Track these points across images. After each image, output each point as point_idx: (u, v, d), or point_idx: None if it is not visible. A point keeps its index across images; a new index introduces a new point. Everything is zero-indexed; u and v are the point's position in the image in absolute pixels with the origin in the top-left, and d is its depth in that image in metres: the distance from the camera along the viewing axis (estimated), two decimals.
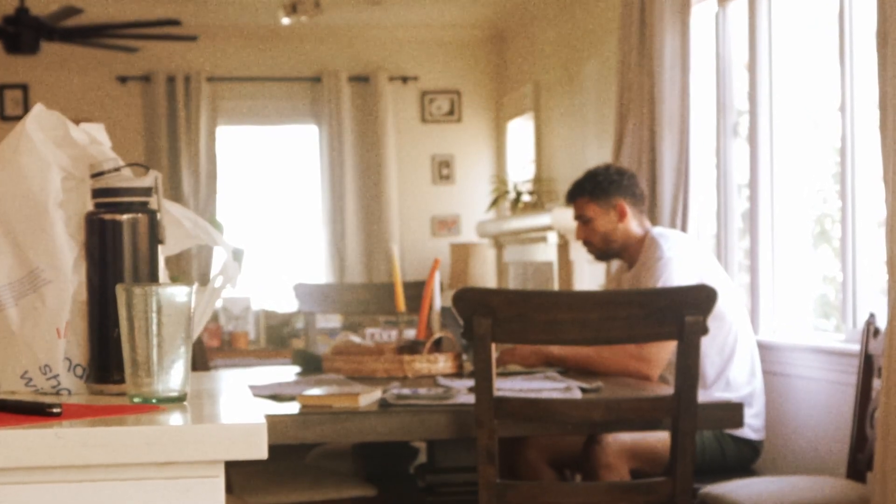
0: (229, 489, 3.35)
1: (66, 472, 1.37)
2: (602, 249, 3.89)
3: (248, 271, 7.74)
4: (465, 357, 3.72)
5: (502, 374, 3.43)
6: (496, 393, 2.84)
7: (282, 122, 8.46)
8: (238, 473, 3.60)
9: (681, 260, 3.69)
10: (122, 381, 1.67)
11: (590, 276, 6.09)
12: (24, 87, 8.03)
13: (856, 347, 3.65)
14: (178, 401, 1.58)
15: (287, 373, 3.70)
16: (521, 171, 8.02)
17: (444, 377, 3.45)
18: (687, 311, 2.82)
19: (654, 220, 4.80)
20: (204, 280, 7.52)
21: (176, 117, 8.13)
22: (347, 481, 3.59)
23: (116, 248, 1.72)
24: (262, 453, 1.39)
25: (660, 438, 3.42)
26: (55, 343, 1.72)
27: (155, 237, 1.75)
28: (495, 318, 2.81)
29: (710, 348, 3.69)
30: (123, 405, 1.57)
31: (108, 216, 1.73)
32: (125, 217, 1.73)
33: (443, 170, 8.55)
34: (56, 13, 6.52)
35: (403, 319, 3.94)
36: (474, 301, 2.83)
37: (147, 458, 1.37)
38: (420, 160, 8.53)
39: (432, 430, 2.87)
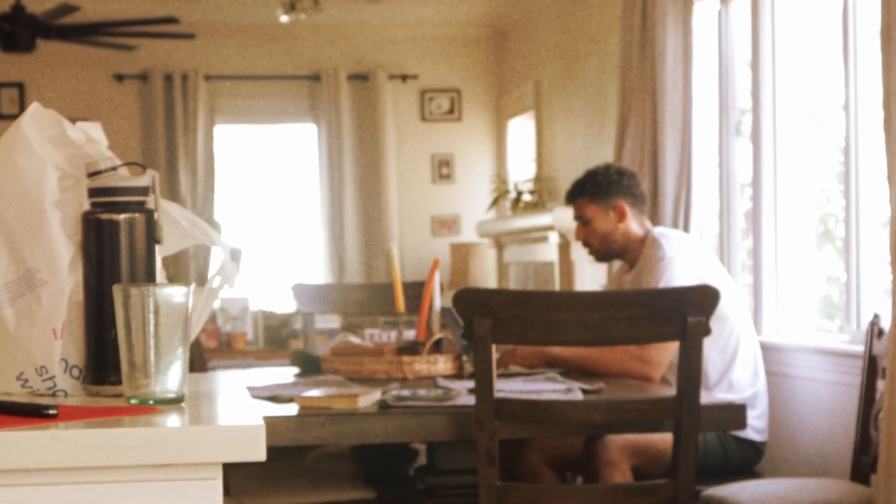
0: (227, 491, 3.35)
1: (62, 475, 1.36)
2: (602, 251, 3.89)
3: (246, 271, 7.75)
4: (465, 358, 3.72)
5: (503, 376, 3.42)
6: (497, 394, 2.84)
7: (280, 120, 8.46)
8: (236, 475, 3.59)
9: (683, 260, 3.68)
10: (118, 382, 1.66)
11: (591, 276, 6.09)
12: (20, 86, 8.02)
13: (860, 348, 3.65)
14: (175, 402, 1.57)
15: (285, 374, 3.70)
16: (521, 170, 8.02)
17: (444, 378, 3.44)
18: (689, 312, 2.82)
19: (657, 220, 4.81)
20: (202, 280, 7.52)
21: (173, 116, 8.12)
22: (346, 483, 3.58)
23: (113, 248, 1.72)
24: (260, 455, 1.39)
25: (662, 437, 3.41)
26: (51, 344, 1.72)
27: (152, 237, 1.75)
28: (496, 319, 2.81)
29: (712, 349, 3.69)
30: (120, 407, 1.57)
31: (104, 216, 1.73)
32: (122, 217, 1.72)
33: (443, 169, 8.54)
34: (52, 11, 6.51)
35: (403, 320, 3.94)
36: (474, 301, 2.83)
37: (144, 460, 1.36)
38: (420, 159, 8.53)
39: (432, 432, 2.86)
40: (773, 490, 3.24)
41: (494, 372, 2.82)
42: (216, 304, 6.47)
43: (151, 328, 1.54)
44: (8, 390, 1.75)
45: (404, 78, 8.46)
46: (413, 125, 8.52)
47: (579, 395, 3.03)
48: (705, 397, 3.06)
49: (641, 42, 4.99)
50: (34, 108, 1.78)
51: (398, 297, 3.89)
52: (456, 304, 2.83)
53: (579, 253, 6.08)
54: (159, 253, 1.79)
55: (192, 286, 1.61)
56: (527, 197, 7.52)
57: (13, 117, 7.53)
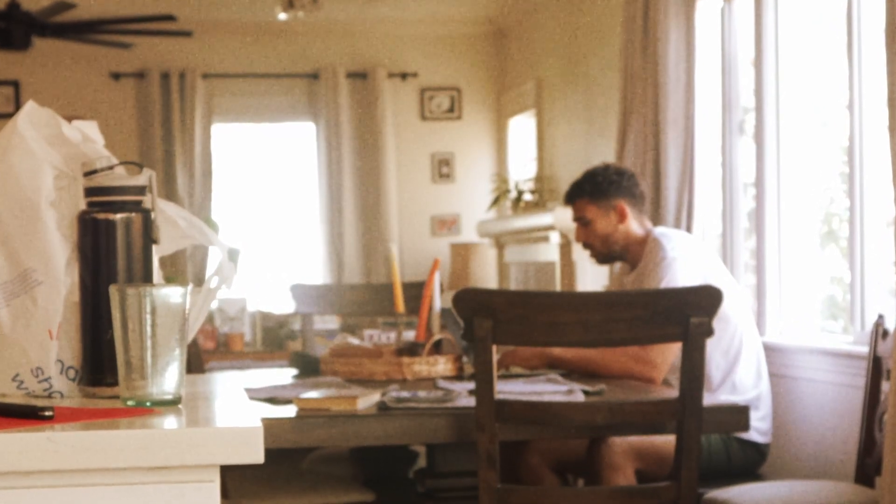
0: (225, 494, 3.34)
1: (58, 477, 1.36)
2: (603, 252, 3.88)
3: (243, 272, 7.77)
4: (465, 359, 3.71)
5: (503, 377, 3.42)
6: (497, 396, 2.83)
7: (278, 119, 8.45)
8: (234, 478, 3.58)
9: (685, 260, 3.68)
10: (115, 383, 1.66)
11: (592, 276, 6.09)
12: (15, 84, 8.01)
13: (864, 349, 3.66)
14: (172, 404, 1.57)
15: (284, 375, 3.70)
16: (522, 169, 8.02)
17: (444, 379, 3.44)
18: (691, 313, 2.81)
19: (659, 220, 4.81)
20: (199, 281, 7.53)
21: (170, 114, 8.11)
22: (345, 486, 3.57)
23: (110, 248, 1.72)
24: (258, 457, 1.39)
25: (665, 439, 3.41)
26: (47, 345, 1.72)
27: (149, 237, 1.75)
28: (496, 320, 2.80)
29: (715, 350, 3.69)
30: (117, 408, 1.57)
31: (101, 215, 1.72)
32: (119, 216, 1.73)
33: (443, 168, 8.53)
34: (48, 8, 6.50)
35: (402, 321, 3.95)
36: (475, 302, 2.82)
37: (141, 462, 1.36)
38: (419, 158, 8.52)
39: (432, 434, 2.85)
40: (776, 492, 3.23)
41: (495, 373, 2.81)
42: (214, 305, 6.46)
43: (148, 329, 1.54)
44: (3, 391, 1.75)
45: (404, 76, 8.45)
46: (413, 124, 8.50)
47: (581, 397, 3.02)
48: (708, 399, 3.05)
49: (643, 40, 5.00)
50: (30, 106, 1.78)
51: (398, 297, 3.89)
52: (456, 304, 2.82)
53: (580, 253, 6.08)
54: (156, 253, 1.79)
55: (190, 287, 1.61)
56: (528, 196, 7.52)
57: (8, 116, 7.52)
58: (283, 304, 7.38)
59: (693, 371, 2.80)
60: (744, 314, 3.77)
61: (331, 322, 6.24)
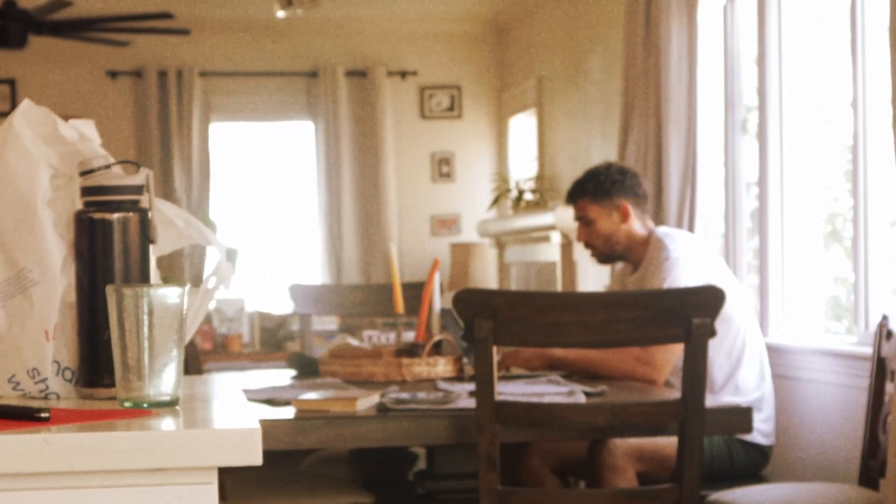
0: (223, 496, 3.36)
1: (54, 479, 1.36)
2: (605, 252, 3.88)
3: (242, 272, 7.79)
4: (465, 360, 3.70)
5: (504, 378, 3.41)
6: (498, 397, 2.82)
7: (277, 118, 8.44)
8: (232, 480, 3.57)
9: (688, 261, 3.67)
10: (112, 384, 1.67)
11: (594, 277, 6.10)
12: (11, 83, 8.01)
13: (868, 350, 3.64)
14: (169, 405, 1.57)
15: (282, 376, 3.69)
16: (523, 168, 8.01)
17: (443, 381, 3.43)
18: (694, 313, 2.80)
19: (661, 220, 4.82)
20: (197, 281, 7.52)
21: (168, 113, 8.10)
22: (344, 488, 3.56)
23: (106, 247, 1.72)
24: (256, 459, 1.38)
25: (667, 441, 3.40)
26: (43, 346, 1.72)
27: (146, 237, 1.75)
28: (497, 320, 2.79)
29: (718, 352, 3.68)
30: (113, 410, 1.57)
31: (97, 215, 1.73)
32: (115, 216, 1.73)
33: (443, 167, 8.52)
34: (44, 6, 6.50)
35: (402, 321, 3.96)
36: (475, 302, 2.81)
37: (138, 464, 1.36)
38: (419, 157, 8.51)
39: (432, 436, 2.85)
40: (779, 495, 3.22)
41: (495, 374, 2.80)
42: (211, 306, 6.44)
43: (145, 330, 1.54)
44: None
45: (403, 74, 8.43)
46: (412, 122, 8.49)
47: (582, 398, 3.02)
48: (710, 400, 3.05)
49: (645, 38, 5.00)
50: (26, 105, 1.78)
51: (397, 297, 3.88)
52: (456, 305, 2.81)
53: (582, 253, 6.08)
54: (153, 253, 1.79)
55: (187, 287, 1.61)
56: (528, 196, 7.52)
57: (4, 115, 7.53)
58: (281, 305, 7.37)
59: (695, 372, 2.80)
60: (747, 315, 3.76)
61: (330, 323, 6.24)
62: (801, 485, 3.39)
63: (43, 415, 1.44)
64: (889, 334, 3.30)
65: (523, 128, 8.02)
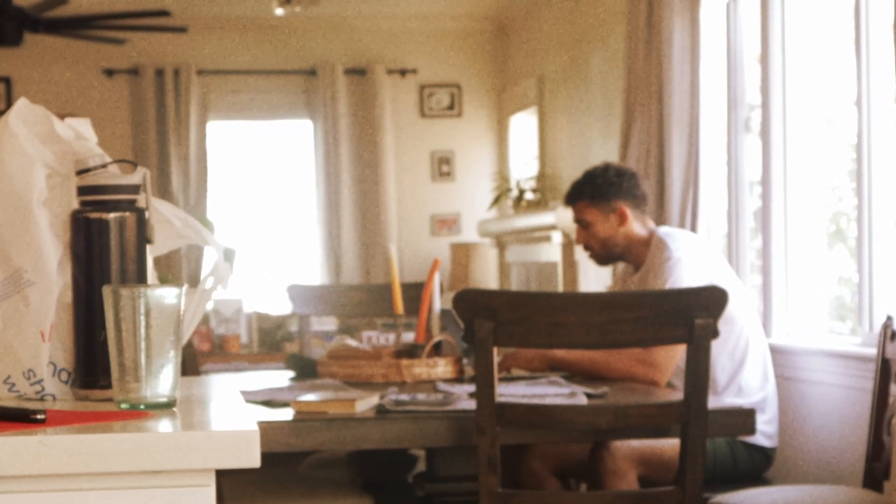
0: (220, 499, 3.34)
1: (50, 481, 1.36)
2: (603, 254, 3.89)
3: (239, 272, 7.80)
4: (465, 361, 3.70)
5: (504, 379, 3.41)
6: (498, 399, 2.81)
7: (275, 116, 8.43)
8: (229, 482, 3.57)
9: (690, 261, 3.67)
10: (108, 386, 1.66)
11: (595, 277, 6.10)
12: (6, 81, 8.01)
13: (872, 351, 3.63)
14: (167, 407, 1.57)
15: (280, 378, 3.69)
16: (523, 167, 8.01)
17: (443, 382, 3.42)
18: (696, 314, 2.79)
19: (663, 219, 4.83)
20: (194, 281, 7.50)
21: (165, 112, 8.09)
22: (343, 491, 3.56)
23: (103, 247, 1.72)
24: (254, 461, 1.38)
25: (669, 443, 3.40)
26: (39, 347, 1.72)
27: (143, 236, 1.75)
28: (497, 321, 2.78)
29: (721, 352, 3.68)
30: (110, 411, 1.57)
31: (94, 215, 1.73)
32: (112, 216, 1.73)
33: (442, 166, 8.51)
34: (40, 3, 6.50)
35: (402, 322, 3.93)
36: (475, 303, 2.79)
37: (135, 466, 1.36)
38: (419, 156, 8.50)
39: (431, 438, 2.84)
40: (783, 497, 3.21)
41: (496, 375, 2.79)
42: (209, 306, 6.43)
43: (142, 330, 1.54)
44: None
45: (403, 72, 8.42)
46: (412, 121, 8.48)
47: (583, 400, 3.01)
48: (713, 402, 3.05)
49: (648, 36, 5.00)
50: (21, 103, 1.77)
51: (397, 298, 3.87)
52: (456, 305, 2.80)
53: (583, 253, 6.06)
54: (150, 253, 1.80)
55: (185, 287, 1.60)
56: (529, 195, 7.51)
57: (0, 114, 7.49)
58: (279, 305, 7.36)
59: (698, 373, 2.79)
60: (750, 315, 3.76)
61: (328, 323, 6.24)
62: (804, 487, 3.38)
63: (39, 416, 1.44)
64: (893, 335, 3.30)
65: (524, 127, 8.02)
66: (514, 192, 7.64)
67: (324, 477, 3.81)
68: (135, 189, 1.74)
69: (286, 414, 2.85)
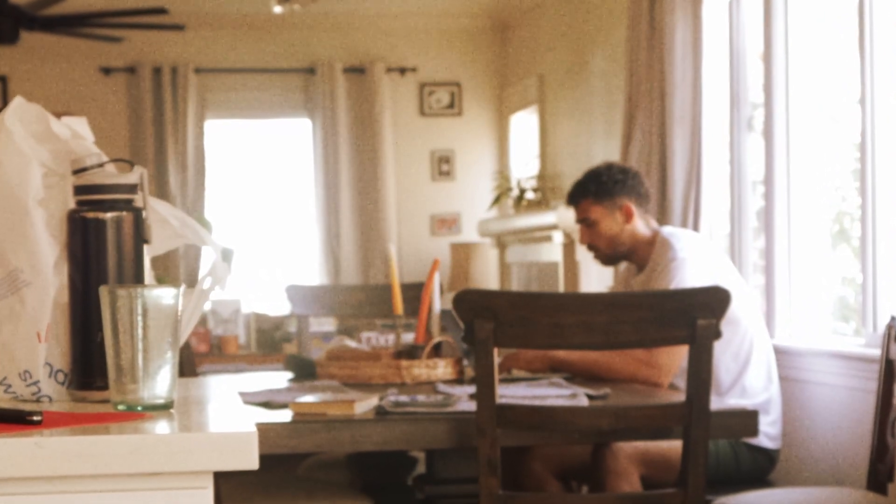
0: (218, 501, 3.32)
1: (46, 484, 1.36)
2: (609, 254, 3.87)
3: (237, 272, 7.81)
4: (465, 362, 3.69)
5: (505, 381, 3.41)
6: (499, 400, 2.81)
7: (274, 115, 8.44)
8: (228, 484, 3.56)
9: (694, 261, 3.67)
10: (105, 387, 1.65)
11: (597, 277, 6.11)
12: (2, 79, 8.02)
13: (876, 352, 3.62)
14: (164, 408, 1.57)
15: (279, 379, 3.69)
16: (524, 167, 8.02)
17: (443, 383, 3.42)
18: (699, 314, 2.78)
19: (665, 219, 4.84)
20: (192, 281, 7.55)
21: (162, 110, 8.10)
22: (342, 493, 3.55)
23: (100, 247, 1.72)
24: (252, 463, 1.38)
25: (672, 445, 3.39)
26: (35, 348, 1.72)
27: (140, 236, 1.75)
28: (498, 322, 2.77)
29: (724, 354, 3.67)
30: (107, 413, 1.57)
31: (90, 214, 1.72)
32: (109, 215, 1.73)
33: (442, 166, 8.50)
34: (37, 1, 6.49)
35: (401, 323, 3.92)
36: (476, 303, 2.79)
37: (132, 468, 1.36)
38: (419, 156, 8.50)
39: (431, 439, 2.84)
40: (786, 499, 3.21)
41: (496, 377, 2.78)
42: (207, 307, 6.43)
43: (139, 331, 1.54)
44: None
45: (403, 71, 8.42)
46: (412, 120, 8.48)
47: (584, 401, 3.01)
48: (716, 403, 3.07)
49: (649, 34, 5.00)
50: (17, 102, 1.77)
51: (396, 298, 3.86)
52: (456, 306, 2.80)
53: (584, 253, 6.07)
54: (148, 253, 1.79)
55: (182, 287, 1.61)
56: (530, 195, 7.51)
57: None
58: (278, 306, 7.37)
59: (700, 374, 2.78)
60: (753, 316, 3.75)
61: (327, 324, 6.25)
62: (808, 489, 3.38)
63: (35, 418, 1.44)
64: None
65: (525, 125, 8.02)
66: (515, 192, 7.65)
67: (323, 479, 3.83)
68: (132, 188, 1.74)
69: (285, 415, 2.85)
